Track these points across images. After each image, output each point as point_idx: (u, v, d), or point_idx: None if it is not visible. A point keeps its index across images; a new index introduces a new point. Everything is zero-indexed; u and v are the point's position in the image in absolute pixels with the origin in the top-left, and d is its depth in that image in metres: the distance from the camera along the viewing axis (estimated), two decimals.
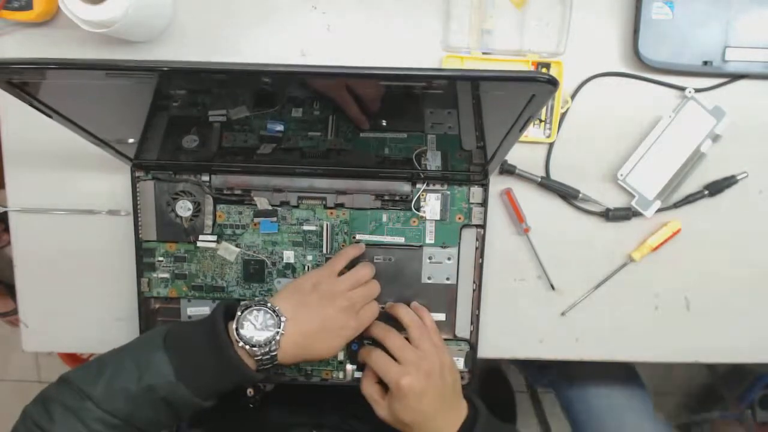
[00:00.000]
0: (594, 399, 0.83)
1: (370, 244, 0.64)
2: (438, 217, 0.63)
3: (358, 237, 0.64)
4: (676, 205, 0.66)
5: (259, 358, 0.51)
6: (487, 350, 0.68)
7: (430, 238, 0.64)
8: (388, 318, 0.62)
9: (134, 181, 0.62)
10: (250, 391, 0.75)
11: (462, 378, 0.66)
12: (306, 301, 0.55)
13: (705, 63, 0.62)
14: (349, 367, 0.65)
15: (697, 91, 0.63)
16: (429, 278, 0.65)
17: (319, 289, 0.56)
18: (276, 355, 0.52)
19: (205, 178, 0.62)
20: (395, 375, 0.56)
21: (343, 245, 0.63)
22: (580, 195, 0.65)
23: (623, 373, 0.85)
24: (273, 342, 0.51)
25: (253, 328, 0.51)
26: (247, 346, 0.50)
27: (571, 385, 0.87)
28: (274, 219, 0.63)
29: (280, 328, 0.52)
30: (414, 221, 0.64)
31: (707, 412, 1.26)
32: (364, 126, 0.52)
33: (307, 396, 0.74)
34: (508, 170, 0.64)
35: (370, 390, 0.59)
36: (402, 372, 0.56)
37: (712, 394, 1.25)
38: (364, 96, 0.48)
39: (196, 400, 0.51)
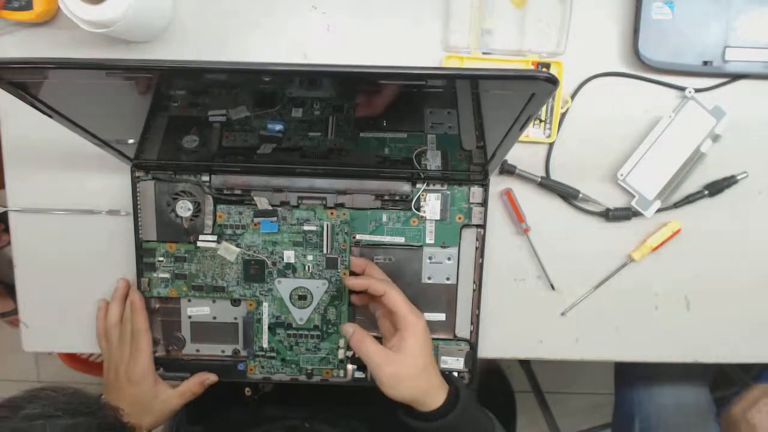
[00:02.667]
0: (664, 398, 0.83)
1: (370, 244, 0.64)
2: (438, 217, 0.63)
3: (358, 237, 0.64)
4: (676, 205, 0.66)
5: None
6: (487, 350, 0.68)
7: (430, 238, 0.64)
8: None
9: (134, 181, 0.62)
10: (248, 390, 0.75)
11: (462, 378, 0.66)
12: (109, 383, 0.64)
13: (705, 63, 0.62)
14: (350, 366, 0.65)
15: (697, 91, 0.63)
16: (429, 278, 0.65)
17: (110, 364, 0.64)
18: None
19: (205, 178, 0.62)
20: (416, 314, 0.57)
21: (343, 245, 0.63)
22: (580, 195, 0.65)
23: (694, 370, 0.84)
24: None
25: None
26: None
27: (642, 384, 0.86)
28: (274, 219, 0.63)
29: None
30: (414, 221, 0.64)
31: (721, 391, 1.25)
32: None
33: (304, 396, 0.74)
34: (508, 170, 0.64)
35: (375, 347, 0.56)
36: (416, 309, 0.58)
37: (726, 376, 1.24)
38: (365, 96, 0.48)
39: None
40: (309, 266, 0.64)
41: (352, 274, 0.64)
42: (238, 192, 0.62)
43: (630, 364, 0.80)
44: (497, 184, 0.66)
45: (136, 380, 0.62)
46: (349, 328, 0.58)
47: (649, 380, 0.84)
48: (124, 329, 0.64)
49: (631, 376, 0.87)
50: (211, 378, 0.65)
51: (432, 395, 0.56)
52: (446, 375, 0.59)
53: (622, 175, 0.64)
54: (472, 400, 0.59)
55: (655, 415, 0.82)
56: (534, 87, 0.38)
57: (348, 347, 0.65)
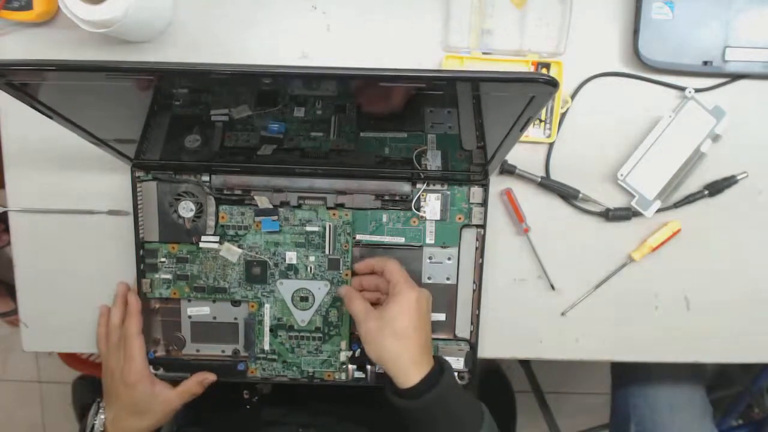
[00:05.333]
0: (659, 399, 0.83)
1: (370, 244, 0.64)
2: (438, 217, 0.63)
3: (358, 237, 0.64)
4: (676, 205, 0.66)
5: None
6: (487, 350, 0.68)
7: (430, 238, 0.64)
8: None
9: (134, 182, 0.62)
10: (246, 393, 0.75)
11: (462, 378, 0.66)
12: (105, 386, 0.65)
13: (705, 63, 0.62)
14: (350, 367, 0.65)
15: (697, 91, 0.63)
16: (429, 278, 0.65)
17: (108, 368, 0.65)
18: None
19: (205, 178, 0.62)
20: (410, 284, 0.57)
21: (345, 246, 0.63)
22: (580, 195, 0.65)
23: (689, 371, 0.84)
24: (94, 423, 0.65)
25: None
26: None
27: (637, 386, 0.86)
28: (276, 217, 0.63)
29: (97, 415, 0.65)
30: (414, 221, 0.64)
31: (720, 392, 1.25)
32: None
33: (303, 398, 0.74)
34: (508, 170, 0.64)
35: (361, 304, 0.58)
36: (413, 283, 0.58)
37: (723, 377, 1.25)
38: (365, 96, 0.48)
39: None
40: (311, 267, 0.64)
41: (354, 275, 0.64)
42: (239, 192, 0.62)
43: (625, 365, 0.80)
44: (497, 184, 0.66)
45: (132, 383, 0.62)
46: (342, 290, 0.61)
47: (644, 382, 0.85)
48: (120, 333, 0.64)
49: (626, 378, 0.87)
50: (210, 377, 0.65)
51: (408, 368, 0.54)
52: (438, 359, 0.58)
53: (622, 175, 0.64)
54: (457, 389, 0.57)
55: (651, 416, 0.82)
56: (534, 89, 0.38)
57: (349, 348, 0.65)
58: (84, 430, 0.64)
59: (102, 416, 0.64)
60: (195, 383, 0.64)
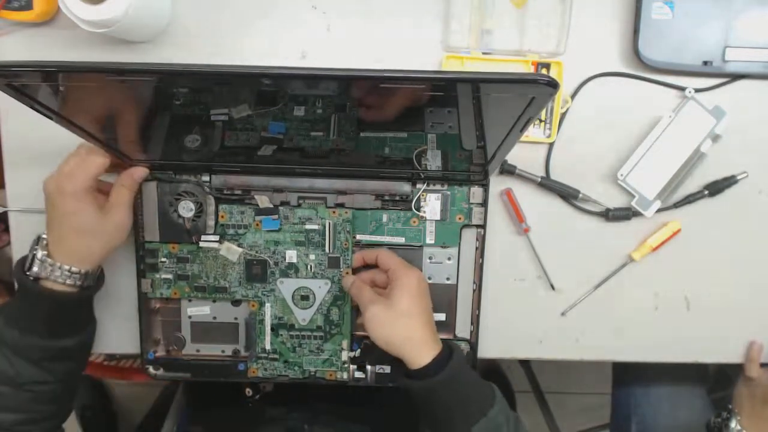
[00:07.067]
0: (661, 399, 0.83)
1: (370, 245, 0.64)
2: (438, 217, 0.63)
3: (358, 237, 0.64)
4: (676, 205, 0.66)
5: (47, 275, 0.54)
6: (487, 350, 0.68)
7: (430, 239, 0.64)
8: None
9: None
10: (248, 391, 0.75)
11: None
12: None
13: (705, 63, 0.62)
14: (351, 367, 0.66)
15: (697, 91, 0.63)
16: (429, 278, 0.65)
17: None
18: (53, 263, 0.54)
19: (206, 178, 0.62)
20: (409, 267, 0.59)
21: (345, 245, 0.63)
22: (580, 195, 0.65)
23: (691, 371, 0.85)
24: (35, 253, 0.55)
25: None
26: (34, 270, 0.55)
27: (639, 385, 0.86)
28: (276, 216, 0.63)
29: (38, 244, 0.56)
30: (414, 221, 0.64)
31: (720, 392, 1.25)
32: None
33: (304, 397, 0.75)
34: (508, 170, 0.64)
35: (368, 291, 0.59)
36: (410, 266, 0.60)
37: (726, 376, 1.25)
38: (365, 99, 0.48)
39: (27, 339, 0.54)
40: (311, 266, 0.64)
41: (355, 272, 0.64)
42: (239, 192, 0.62)
43: (626, 365, 0.80)
44: (497, 184, 0.66)
45: (69, 197, 0.53)
46: (349, 280, 0.62)
47: (645, 381, 0.85)
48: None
49: (627, 377, 0.88)
50: (139, 172, 0.58)
51: (420, 348, 0.55)
52: (446, 342, 0.59)
53: (622, 175, 0.64)
54: (468, 369, 0.58)
55: (652, 415, 0.82)
56: (534, 90, 0.38)
57: (351, 347, 0.65)
58: (24, 262, 0.57)
59: (44, 242, 0.56)
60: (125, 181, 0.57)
